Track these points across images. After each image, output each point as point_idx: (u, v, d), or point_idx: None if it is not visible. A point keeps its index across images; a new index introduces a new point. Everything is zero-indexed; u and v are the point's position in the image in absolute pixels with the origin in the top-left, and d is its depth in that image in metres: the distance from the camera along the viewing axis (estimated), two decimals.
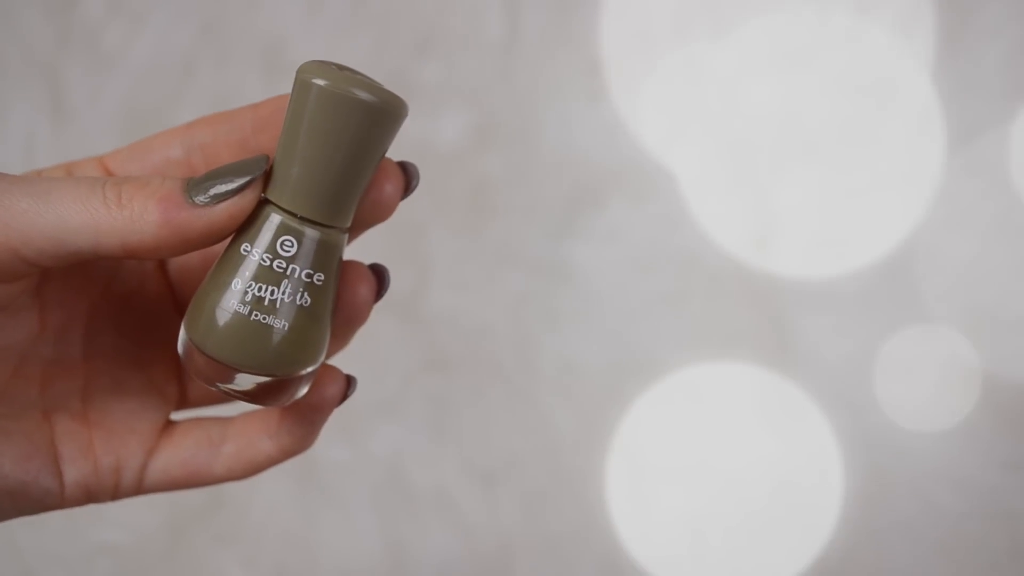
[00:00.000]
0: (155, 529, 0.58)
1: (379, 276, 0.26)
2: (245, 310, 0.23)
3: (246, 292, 0.23)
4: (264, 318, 0.23)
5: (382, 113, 0.23)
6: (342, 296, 0.25)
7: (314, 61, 0.23)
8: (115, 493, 0.26)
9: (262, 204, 0.24)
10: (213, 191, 0.23)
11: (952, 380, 0.54)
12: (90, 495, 0.26)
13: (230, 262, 0.24)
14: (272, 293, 0.23)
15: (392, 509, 0.57)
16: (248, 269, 0.24)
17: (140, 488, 0.26)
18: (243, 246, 0.24)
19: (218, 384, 0.25)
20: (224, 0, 0.60)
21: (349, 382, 0.27)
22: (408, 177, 0.25)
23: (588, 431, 0.56)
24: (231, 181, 0.23)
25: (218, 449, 0.27)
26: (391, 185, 0.25)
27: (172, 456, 0.27)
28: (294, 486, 0.58)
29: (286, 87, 0.24)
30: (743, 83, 0.56)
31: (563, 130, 0.57)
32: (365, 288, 0.25)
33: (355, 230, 0.26)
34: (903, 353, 0.54)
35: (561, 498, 0.56)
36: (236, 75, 0.60)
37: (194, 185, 0.23)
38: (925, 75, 0.55)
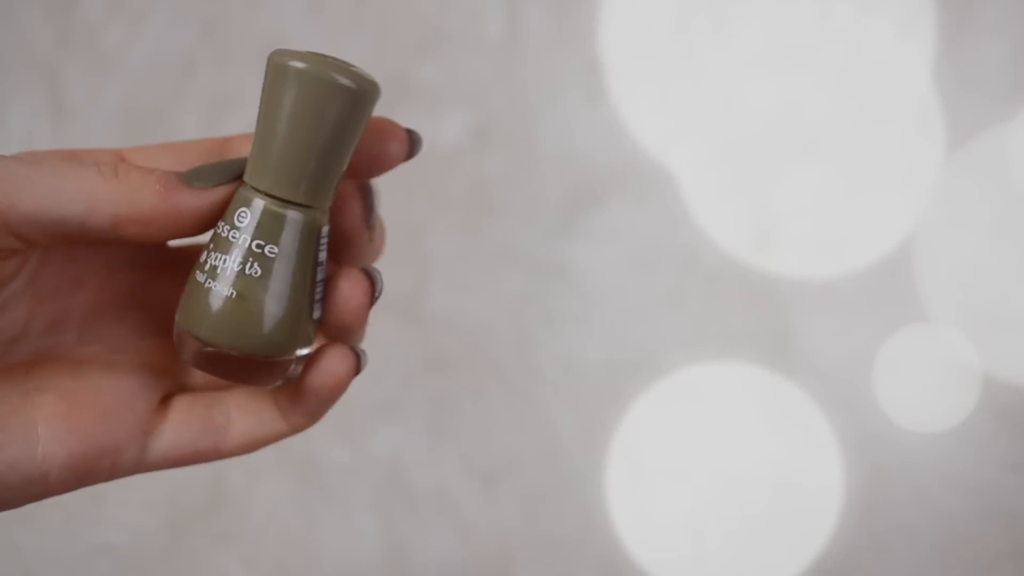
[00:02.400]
0: (155, 529, 0.58)
1: (366, 192, 0.26)
2: (202, 278, 0.24)
3: (205, 262, 0.24)
4: (211, 284, 0.24)
5: (351, 96, 0.23)
6: (340, 220, 0.26)
7: (282, 49, 0.24)
8: (111, 473, 0.25)
9: (241, 187, 0.24)
10: (214, 178, 0.24)
11: (952, 380, 0.54)
12: (80, 478, 0.25)
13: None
14: (224, 261, 0.24)
15: (392, 509, 0.57)
16: (213, 241, 0.24)
17: (140, 467, 0.25)
18: (218, 224, 0.25)
19: (182, 356, 0.25)
20: (224, 0, 0.60)
21: (359, 359, 0.26)
22: (412, 143, 0.26)
23: (588, 431, 0.56)
24: (228, 171, 0.25)
25: (225, 427, 0.26)
26: (396, 144, 0.26)
27: (176, 436, 0.26)
28: (294, 486, 0.58)
29: None
30: (743, 83, 0.56)
31: (563, 130, 0.57)
32: (357, 205, 0.26)
33: (353, 175, 0.27)
34: (903, 353, 0.54)
35: (561, 498, 0.56)
36: (236, 75, 0.60)
37: (192, 173, 0.24)
38: (925, 75, 0.55)
